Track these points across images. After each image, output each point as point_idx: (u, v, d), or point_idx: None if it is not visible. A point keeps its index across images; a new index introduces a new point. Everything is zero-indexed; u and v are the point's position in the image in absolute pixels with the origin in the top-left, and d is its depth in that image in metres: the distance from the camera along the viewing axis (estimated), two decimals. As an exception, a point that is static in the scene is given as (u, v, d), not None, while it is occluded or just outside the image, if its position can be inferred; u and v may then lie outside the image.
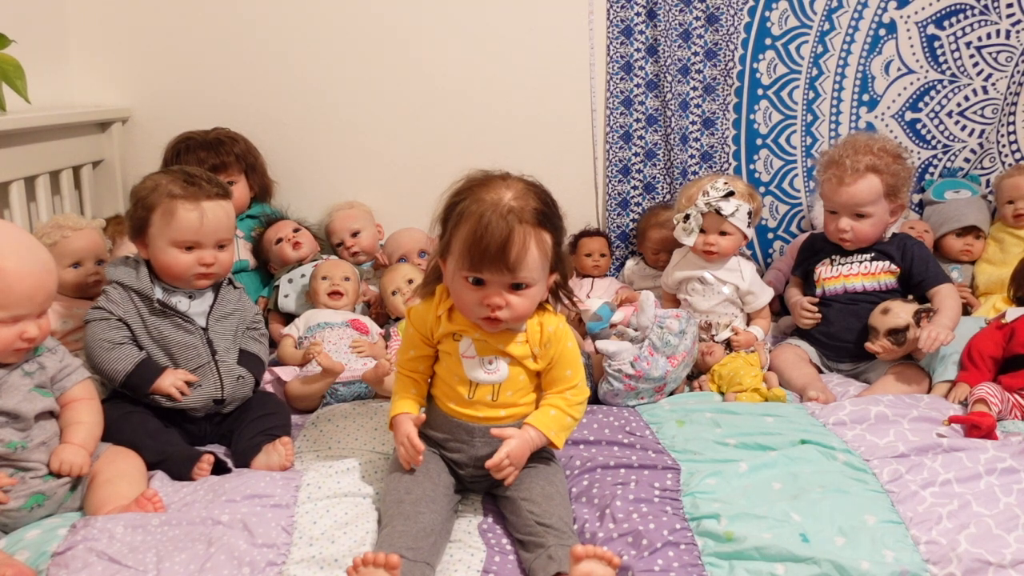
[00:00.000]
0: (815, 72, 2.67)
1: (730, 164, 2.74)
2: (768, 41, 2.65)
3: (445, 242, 1.40)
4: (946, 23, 2.63)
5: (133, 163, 2.61)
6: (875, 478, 1.50)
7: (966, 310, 2.26)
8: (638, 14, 2.61)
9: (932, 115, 2.70)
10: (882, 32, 2.64)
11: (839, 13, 2.63)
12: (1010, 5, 2.61)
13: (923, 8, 2.62)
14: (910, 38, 2.65)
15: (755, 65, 2.66)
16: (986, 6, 2.62)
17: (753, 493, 1.46)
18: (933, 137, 2.72)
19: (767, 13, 2.62)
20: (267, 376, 1.99)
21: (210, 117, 2.56)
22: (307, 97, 2.64)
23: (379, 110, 2.66)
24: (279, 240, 2.42)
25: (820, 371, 2.11)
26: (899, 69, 2.67)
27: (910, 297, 2.04)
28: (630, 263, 2.72)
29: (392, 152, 2.70)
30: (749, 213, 2.14)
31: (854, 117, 2.71)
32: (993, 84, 2.67)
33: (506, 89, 2.66)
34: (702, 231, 2.14)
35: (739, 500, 1.44)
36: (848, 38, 2.65)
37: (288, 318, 2.26)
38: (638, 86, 2.67)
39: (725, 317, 2.15)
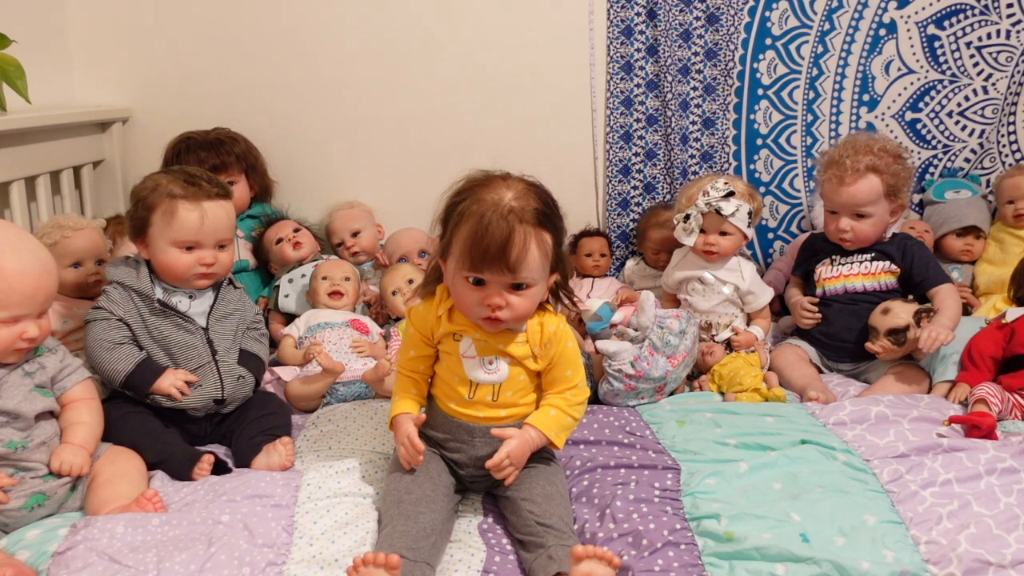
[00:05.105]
0: (815, 72, 2.67)
1: (730, 164, 2.74)
2: (768, 41, 2.65)
3: (445, 242, 1.40)
4: (946, 23, 2.63)
5: (133, 163, 2.61)
6: (875, 478, 1.50)
7: (966, 310, 2.26)
8: (638, 14, 2.61)
9: (932, 115, 2.70)
10: (882, 32, 2.64)
11: (839, 13, 2.63)
12: (1010, 5, 2.61)
13: (923, 8, 2.62)
14: (910, 38, 2.65)
15: (755, 65, 2.66)
16: (986, 6, 2.61)
17: (753, 493, 1.46)
18: (933, 137, 2.72)
19: (767, 13, 2.62)
20: (267, 376, 1.99)
21: (210, 117, 2.56)
22: (307, 97, 2.64)
23: (379, 110, 2.66)
24: (279, 240, 2.42)
25: (820, 371, 2.11)
26: (899, 69, 2.67)
27: (910, 297, 2.04)
28: (630, 263, 2.72)
29: (392, 152, 2.70)
30: (749, 213, 2.14)
31: (854, 117, 2.71)
32: (993, 84, 2.67)
33: (506, 89, 2.66)
34: (702, 231, 2.14)
35: (739, 500, 1.44)
36: (848, 38, 2.65)
37: (288, 318, 2.26)
38: (638, 86, 2.67)
39: (725, 317, 2.14)
